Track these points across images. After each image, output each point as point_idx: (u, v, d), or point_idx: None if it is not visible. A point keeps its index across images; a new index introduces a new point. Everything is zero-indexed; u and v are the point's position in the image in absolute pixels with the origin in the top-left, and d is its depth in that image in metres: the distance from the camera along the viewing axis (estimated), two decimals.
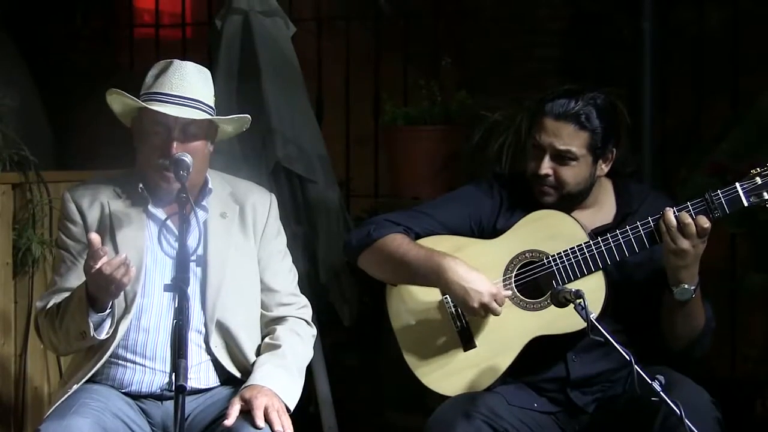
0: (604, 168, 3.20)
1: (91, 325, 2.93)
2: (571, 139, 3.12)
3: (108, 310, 2.96)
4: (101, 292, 2.89)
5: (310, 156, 4.51)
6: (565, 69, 4.81)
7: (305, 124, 4.56)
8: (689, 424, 2.63)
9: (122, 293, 2.99)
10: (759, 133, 4.19)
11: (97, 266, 2.82)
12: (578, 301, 2.80)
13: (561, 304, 2.87)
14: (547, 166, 3.15)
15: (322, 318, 4.48)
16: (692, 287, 3.05)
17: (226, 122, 3.17)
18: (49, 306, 3.06)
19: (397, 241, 3.21)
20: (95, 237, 2.86)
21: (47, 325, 3.07)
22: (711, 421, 2.96)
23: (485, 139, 4.46)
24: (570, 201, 3.19)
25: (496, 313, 3.10)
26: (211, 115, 3.11)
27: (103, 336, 2.97)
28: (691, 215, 3.01)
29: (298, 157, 4.47)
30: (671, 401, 2.65)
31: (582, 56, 4.91)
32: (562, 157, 3.14)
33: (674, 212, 3.02)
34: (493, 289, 3.10)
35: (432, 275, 3.14)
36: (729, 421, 3.05)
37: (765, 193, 3.01)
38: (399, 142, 4.82)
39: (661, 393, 2.65)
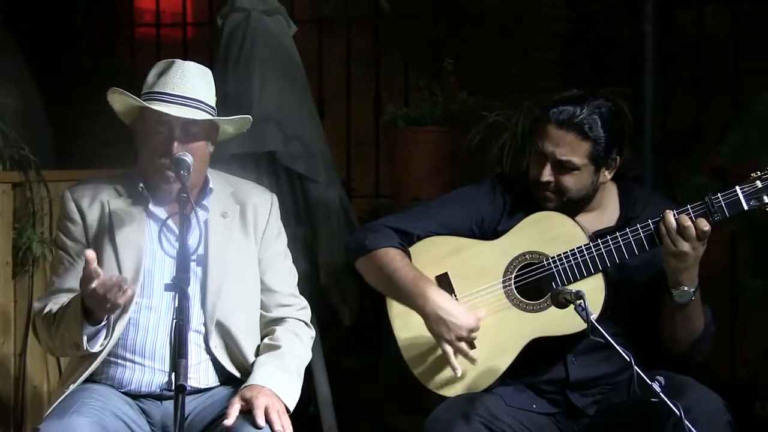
0: (607, 175, 3.19)
1: (85, 338, 2.93)
2: (573, 148, 3.11)
3: (103, 322, 2.96)
4: (96, 307, 2.89)
5: (313, 153, 4.50)
6: (566, 71, 4.81)
7: (308, 121, 4.55)
8: (688, 425, 2.63)
9: None
10: (757, 134, 4.19)
11: (92, 286, 2.82)
12: (578, 301, 2.80)
13: (561, 304, 2.87)
14: (548, 174, 3.14)
15: (322, 319, 4.48)
16: (692, 290, 3.05)
17: (227, 122, 3.17)
18: (45, 311, 3.05)
19: (389, 256, 3.20)
20: (91, 254, 2.85)
21: (44, 330, 3.07)
22: (724, 425, 2.97)
23: (486, 140, 4.46)
24: (572, 206, 3.18)
25: (470, 357, 3.08)
26: (213, 115, 3.11)
27: (96, 348, 2.97)
28: (690, 218, 3.01)
29: (300, 155, 4.46)
30: (671, 402, 2.64)
31: (583, 58, 4.91)
32: (563, 166, 3.13)
33: (674, 215, 3.02)
34: (473, 324, 3.08)
35: (411, 299, 3.14)
36: None
37: (765, 197, 3.00)
38: (399, 142, 4.82)
39: (660, 394, 2.65)
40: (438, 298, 3.11)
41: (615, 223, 3.21)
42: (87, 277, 2.83)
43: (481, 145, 4.47)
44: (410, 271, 3.17)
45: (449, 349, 3.10)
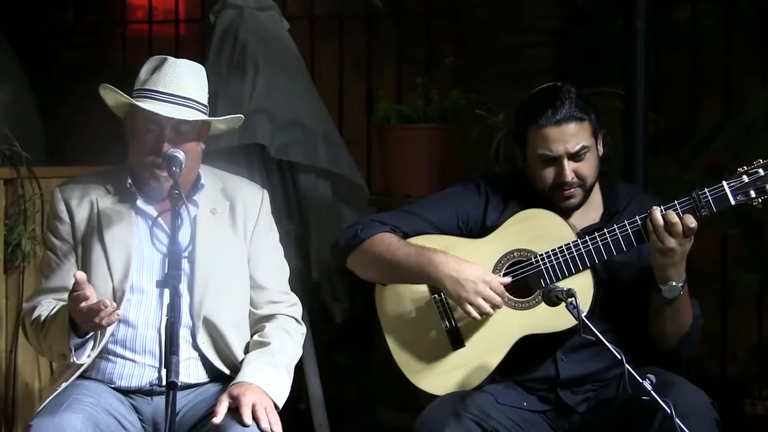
0: (601, 150, 3.22)
1: (72, 349, 2.94)
2: (578, 134, 3.14)
3: (90, 334, 2.96)
4: (83, 324, 2.90)
5: (313, 136, 4.44)
6: (558, 68, 4.81)
7: (305, 105, 4.51)
8: (680, 423, 2.64)
9: (111, 291, 3.00)
10: (753, 134, 4.20)
11: (80, 306, 2.82)
12: (570, 299, 2.80)
13: (552, 302, 2.88)
14: (570, 171, 3.15)
15: (313, 316, 4.49)
16: (680, 284, 3.06)
17: (219, 121, 3.16)
18: (34, 316, 3.06)
19: (386, 241, 3.21)
20: (81, 276, 2.85)
21: (33, 335, 3.09)
22: (710, 422, 2.98)
23: (482, 138, 4.47)
24: (587, 195, 3.20)
25: (494, 301, 3.08)
26: (205, 114, 3.10)
27: (82, 360, 2.98)
28: (678, 214, 3.02)
29: (296, 142, 4.42)
30: (662, 400, 2.65)
31: (575, 56, 4.91)
32: (578, 156, 3.14)
33: (661, 211, 3.03)
34: (487, 276, 3.09)
35: (424, 272, 3.14)
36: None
37: (752, 191, 3.01)
38: (392, 140, 4.82)
39: (651, 392, 2.65)
40: (446, 260, 3.12)
41: (600, 218, 3.22)
42: (76, 298, 2.83)
43: (476, 143, 4.48)
44: (411, 247, 3.18)
45: (473, 309, 3.09)
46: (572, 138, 3.13)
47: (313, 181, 4.53)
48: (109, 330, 3.02)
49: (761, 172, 3.01)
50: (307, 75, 4.61)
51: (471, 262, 3.12)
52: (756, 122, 4.25)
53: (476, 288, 3.08)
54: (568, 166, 3.14)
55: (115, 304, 2.87)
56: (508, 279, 3.14)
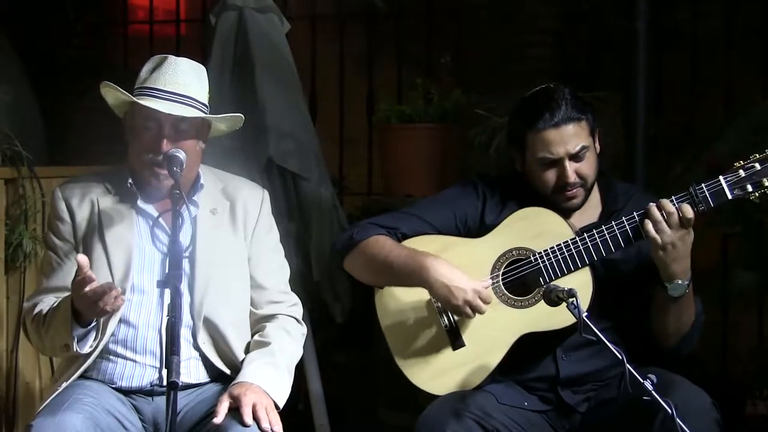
0: (598, 147, 3.23)
1: (75, 338, 2.93)
2: (578, 134, 3.14)
3: (93, 324, 2.96)
4: (86, 311, 2.89)
5: (306, 152, 4.49)
6: (558, 68, 4.82)
7: (300, 120, 4.55)
8: (680, 423, 2.64)
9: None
10: (755, 136, 4.20)
11: (84, 291, 2.82)
12: (571, 299, 2.80)
13: (553, 302, 2.88)
14: (572, 172, 3.15)
15: (314, 315, 4.48)
16: (685, 282, 3.06)
17: (219, 120, 3.16)
18: (35, 312, 3.05)
19: (380, 242, 3.22)
20: (83, 259, 2.85)
21: (34, 331, 3.08)
22: (711, 422, 2.97)
23: (482, 138, 4.47)
24: (588, 195, 3.21)
25: (480, 311, 3.09)
26: (204, 112, 3.09)
27: (86, 350, 2.97)
28: (674, 206, 3.02)
29: (292, 153, 4.46)
30: (663, 400, 2.65)
31: (576, 56, 4.91)
32: (578, 156, 3.15)
33: (657, 206, 3.04)
34: (477, 286, 3.10)
35: (415, 275, 3.14)
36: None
37: (749, 186, 3.01)
38: (392, 140, 4.82)
39: (652, 392, 2.65)
40: (438, 265, 3.12)
41: (598, 218, 3.23)
42: (80, 282, 2.82)
43: (476, 143, 4.48)
44: (403, 250, 3.19)
45: (460, 314, 3.10)
46: (572, 139, 3.14)
47: (314, 182, 4.53)
48: (110, 329, 3.02)
49: (758, 166, 3.01)
50: (300, 87, 4.62)
51: (461, 270, 3.12)
52: (759, 123, 4.25)
53: (465, 297, 3.09)
54: (570, 167, 3.15)
55: (119, 289, 2.86)
56: (488, 282, 3.15)
